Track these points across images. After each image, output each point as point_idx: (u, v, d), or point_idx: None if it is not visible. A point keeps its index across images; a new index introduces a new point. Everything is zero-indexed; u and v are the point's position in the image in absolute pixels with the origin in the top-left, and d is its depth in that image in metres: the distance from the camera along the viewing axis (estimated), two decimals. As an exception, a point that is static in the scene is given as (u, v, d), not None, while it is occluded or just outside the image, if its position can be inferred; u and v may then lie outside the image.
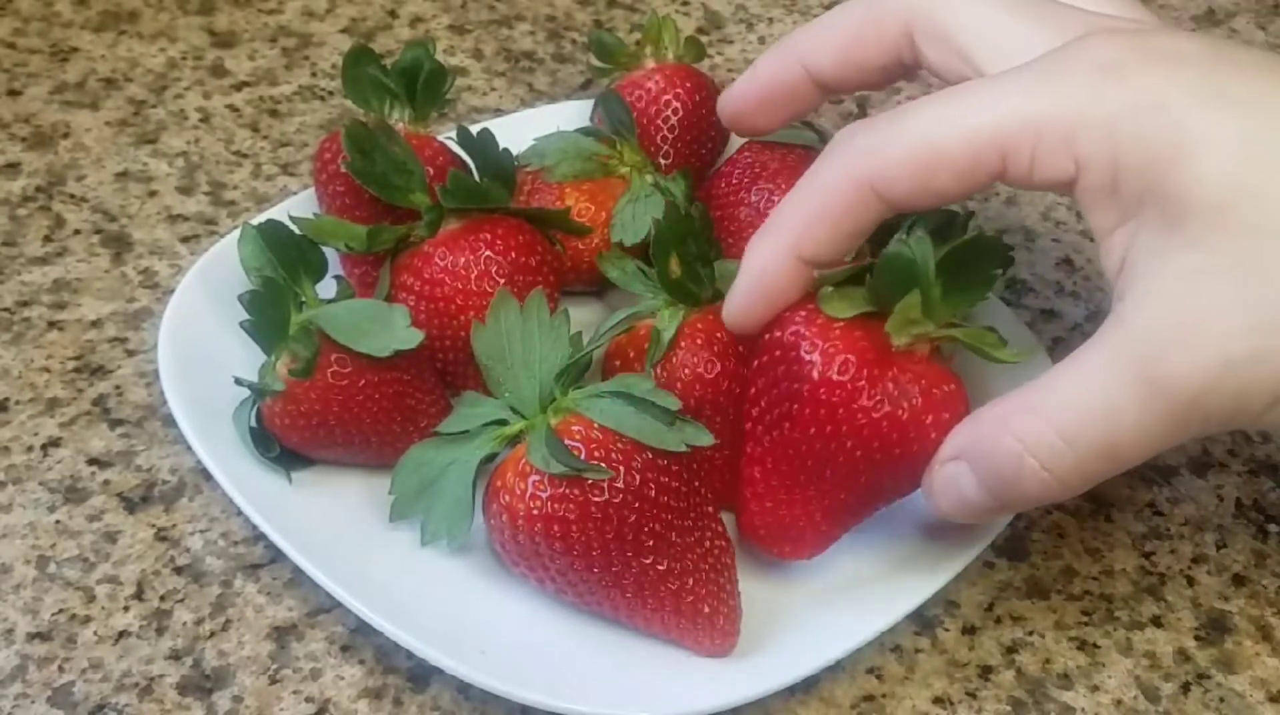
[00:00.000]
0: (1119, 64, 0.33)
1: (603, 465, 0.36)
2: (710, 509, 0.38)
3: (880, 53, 0.40)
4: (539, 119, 0.53)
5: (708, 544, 0.38)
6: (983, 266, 0.36)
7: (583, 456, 0.36)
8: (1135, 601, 0.42)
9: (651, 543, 0.36)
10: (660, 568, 0.37)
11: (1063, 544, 0.44)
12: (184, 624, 0.40)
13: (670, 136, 0.50)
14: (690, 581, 0.37)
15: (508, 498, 0.37)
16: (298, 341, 0.40)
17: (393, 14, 0.67)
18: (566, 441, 0.36)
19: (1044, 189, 0.35)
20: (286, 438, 0.41)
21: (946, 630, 0.41)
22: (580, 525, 0.36)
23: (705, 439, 0.37)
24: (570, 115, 0.53)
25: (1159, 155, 0.32)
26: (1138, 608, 0.42)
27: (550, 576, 0.37)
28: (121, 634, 0.40)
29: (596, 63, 0.52)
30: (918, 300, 0.36)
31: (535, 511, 0.36)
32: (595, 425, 0.36)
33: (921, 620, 0.41)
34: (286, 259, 0.41)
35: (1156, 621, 0.42)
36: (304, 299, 0.41)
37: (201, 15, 0.66)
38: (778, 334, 0.37)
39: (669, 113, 0.50)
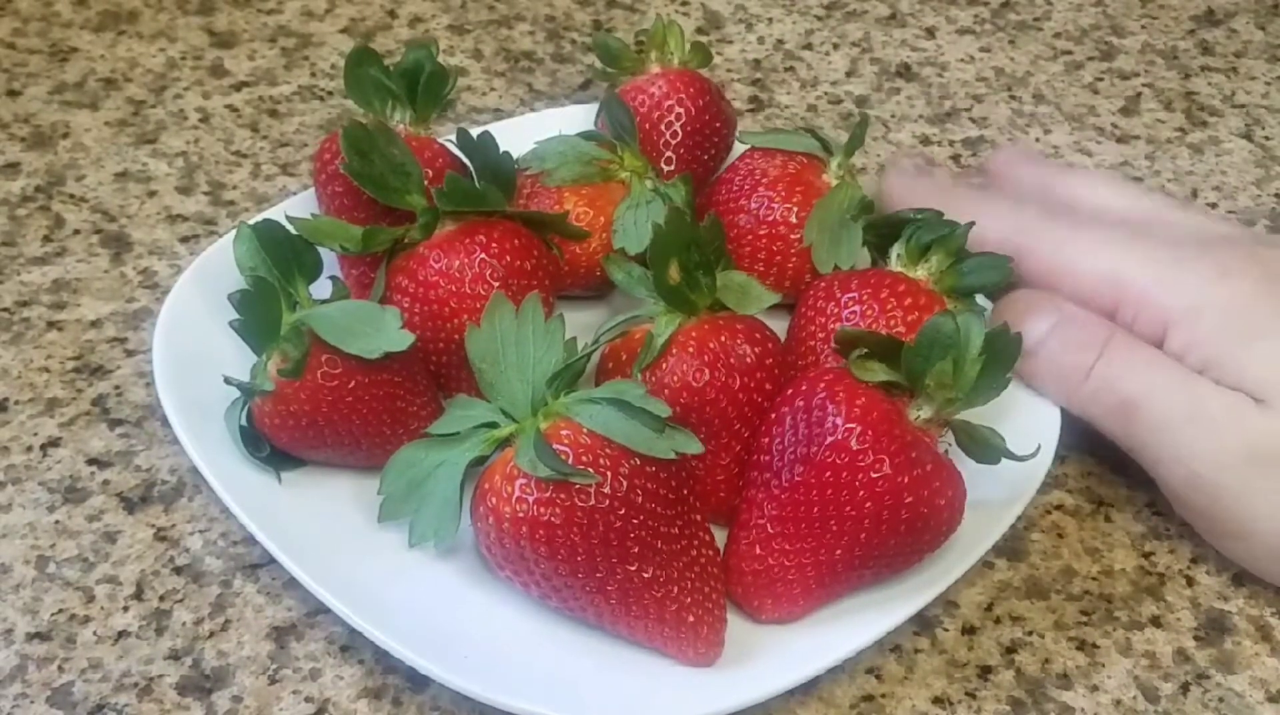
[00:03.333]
0: None
1: (589, 470, 0.35)
2: (698, 517, 0.38)
3: None
4: (542, 122, 0.52)
5: (695, 552, 0.38)
6: (1008, 362, 0.37)
7: (570, 461, 0.36)
8: (1135, 601, 0.42)
9: (637, 550, 0.36)
10: (645, 575, 0.36)
11: (1062, 544, 0.44)
12: (183, 624, 0.40)
13: (673, 142, 0.50)
14: (675, 590, 0.37)
15: (494, 500, 0.36)
16: (288, 341, 0.40)
17: (392, 14, 0.67)
18: (555, 446, 0.36)
19: None
20: (276, 438, 0.41)
21: (946, 630, 0.41)
22: (565, 530, 0.35)
23: (695, 447, 0.37)
24: (574, 119, 0.53)
25: None
26: (1137, 608, 0.42)
27: (535, 581, 0.37)
28: (121, 634, 0.40)
29: (600, 66, 0.51)
30: (950, 367, 0.36)
31: (521, 515, 0.36)
32: (584, 430, 0.36)
33: (921, 620, 0.41)
34: (280, 259, 0.41)
35: (1156, 621, 0.42)
36: (297, 299, 0.41)
37: (201, 15, 0.66)
38: (804, 388, 0.38)
39: (672, 118, 0.49)
